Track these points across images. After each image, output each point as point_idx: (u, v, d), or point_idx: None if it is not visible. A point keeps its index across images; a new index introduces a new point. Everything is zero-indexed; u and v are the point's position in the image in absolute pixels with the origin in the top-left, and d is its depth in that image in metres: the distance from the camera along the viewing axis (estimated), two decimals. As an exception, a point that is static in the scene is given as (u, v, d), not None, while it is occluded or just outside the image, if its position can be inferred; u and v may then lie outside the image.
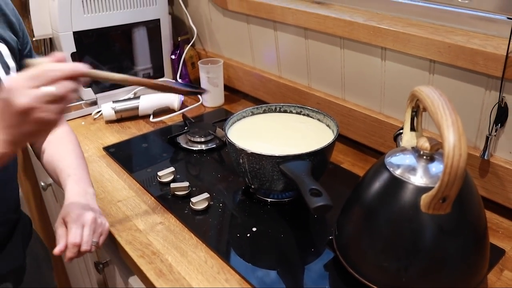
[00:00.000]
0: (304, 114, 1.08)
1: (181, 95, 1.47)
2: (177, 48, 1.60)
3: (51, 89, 0.60)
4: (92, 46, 1.45)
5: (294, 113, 1.09)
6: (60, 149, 0.98)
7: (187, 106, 1.48)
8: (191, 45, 1.60)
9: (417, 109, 0.78)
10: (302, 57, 1.26)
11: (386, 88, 1.09)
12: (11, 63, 0.87)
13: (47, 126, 0.63)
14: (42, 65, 0.62)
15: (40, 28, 1.39)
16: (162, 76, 1.61)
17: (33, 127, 0.62)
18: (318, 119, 1.06)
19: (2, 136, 0.63)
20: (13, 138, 0.63)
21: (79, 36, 1.39)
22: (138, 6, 1.46)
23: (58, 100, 0.61)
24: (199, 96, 1.54)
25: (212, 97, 1.50)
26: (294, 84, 1.32)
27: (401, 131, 0.83)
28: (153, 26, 1.53)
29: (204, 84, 1.48)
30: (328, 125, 1.04)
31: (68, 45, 1.38)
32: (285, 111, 1.10)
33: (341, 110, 1.20)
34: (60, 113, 0.62)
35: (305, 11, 1.15)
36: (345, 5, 1.14)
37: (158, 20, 1.52)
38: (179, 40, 1.60)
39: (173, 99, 1.46)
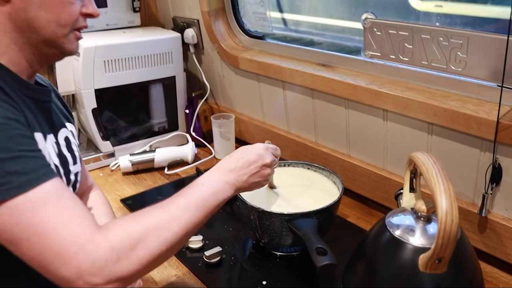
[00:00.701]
0: (311, 170, 1.15)
1: (194, 149, 1.55)
2: (191, 102, 1.69)
3: (277, 160, 0.93)
4: (112, 101, 1.54)
5: (302, 169, 1.16)
6: (97, 213, 1.02)
7: (200, 159, 1.56)
8: (204, 100, 1.69)
9: (416, 171, 0.84)
10: (309, 115, 1.34)
11: (388, 146, 1.15)
12: (77, 141, 0.94)
13: (263, 182, 0.88)
14: (271, 144, 0.94)
15: (64, 85, 1.49)
16: (176, 129, 1.69)
17: (257, 179, 0.86)
18: (325, 176, 1.13)
19: (238, 180, 0.82)
20: (241, 184, 0.83)
21: (100, 93, 1.48)
22: (155, 65, 1.56)
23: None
24: (211, 148, 1.61)
25: (223, 150, 1.57)
26: (302, 140, 1.39)
27: (401, 191, 0.89)
28: (169, 83, 1.63)
29: (216, 137, 1.56)
30: (334, 182, 1.10)
31: (90, 102, 1.47)
32: (294, 167, 1.17)
33: (347, 166, 1.26)
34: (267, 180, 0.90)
35: (311, 74, 1.24)
36: (349, 68, 1.23)
37: (174, 77, 1.62)
38: (193, 95, 1.69)
39: (187, 152, 1.53)
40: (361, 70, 1.20)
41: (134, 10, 1.74)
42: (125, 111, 1.61)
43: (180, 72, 1.64)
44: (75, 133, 0.97)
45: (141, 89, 1.61)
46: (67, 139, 0.87)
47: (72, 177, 0.84)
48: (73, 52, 0.80)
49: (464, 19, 1.08)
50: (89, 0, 0.79)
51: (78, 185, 0.89)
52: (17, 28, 0.72)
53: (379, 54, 1.12)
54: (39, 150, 0.65)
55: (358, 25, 1.16)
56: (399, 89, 1.07)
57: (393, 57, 1.09)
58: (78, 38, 0.79)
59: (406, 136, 1.10)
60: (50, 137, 0.78)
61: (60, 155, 0.81)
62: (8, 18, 0.72)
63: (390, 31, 1.07)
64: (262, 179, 0.88)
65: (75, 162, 0.87)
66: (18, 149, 0.61)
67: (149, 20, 1.85)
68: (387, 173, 1.18)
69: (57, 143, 0.81)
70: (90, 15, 0.79)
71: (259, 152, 0.88)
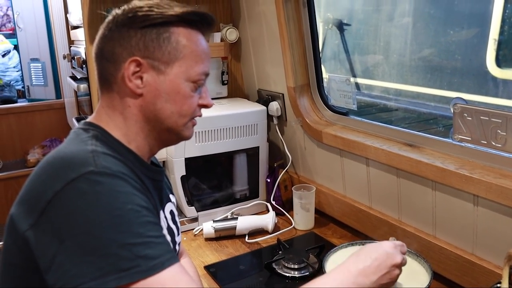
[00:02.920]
0: (397, 252, 1.14)
1: (275, 218, 1.59)
2: (273, 172, 1.74)
3: (406, 259, 0.92)
4: (199, 169, 1.63)
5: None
6: None
7: (280, 228, 1.59)
8: (285, 170, 1.74)
9: (515, 267, 0.82)
10: (393, 193, 1.34)
11: (478, 232, 1.13)
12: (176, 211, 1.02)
13: (391, 284, 0.88)
14: (397, 241, 0.94)
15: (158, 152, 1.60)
16: (257, 197, 1.74)
17: (386, 280, 0.86)
18: (412, 258, 1.12)
19: (363, 284, 0.83)
20: (374, 285, 0.84)
21: (189, 161, 1.58)
22: (241, 136, 1.64)
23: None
24: (291, 218, 1.64)
25: (303, 221, 1.59)
26: (384, 216, 1.39)
27: (498, 285, 0.86)
28: (252, 153, 1.70)
29: (296, 208, 1.59)
30: (419, 263, 1.09)
31: (180, 169, 1.57)
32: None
33: (432, 247, 1.24)
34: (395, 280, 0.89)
35: (397, 154, 1.25)
36: (436, 150, 1.23)
37: (258, 147, 1.69)
38: (275, 165, 1.75)
39: (268, 221, 1.57)
40: (450, 153, 1.20)
41: (223, 83, 1.86)
42: (209, 178, 1.69)
43: (264, 143, 1.71)
44: (175, 203, 1.05)
45: (226, 158, 1.69)
46: (171, 212, 0.94)
47: (177, 247, 0.91)
48: (189, 137, 0.89)
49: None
50: (206, 93, 0.89)
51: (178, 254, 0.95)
52: (145, 118, 0.83)
53: (470, 139, 1.12)
54: (164, 236, 0.72)
55: (437, 92, 1.16)
56: (492, 176, 1.05)
57: (485, 142, 1.09)
58: (194, 124, 0.89)
59: (498, 223, 1.07)
60: (161, 213, 0.86)
61: (169, 228, 0.88)
62: (139, 110, 0.83)
63: (481, 117, 1.07)
64: (390, 281, 0.87)
65: (179, 233, 0.94)
66: (148, 235, 0.68)
67: (235, 91, 1.96)
68: (477, 258, 1.14)
69: (165, 218, 0.88)
70: (206, 106, 0.89)
71: (387, 251, 0.89)
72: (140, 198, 0.72)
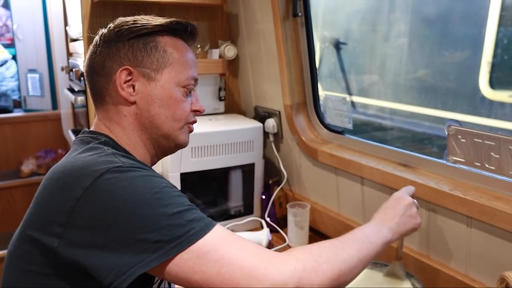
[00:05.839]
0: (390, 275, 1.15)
1: (269, 235, 1.59)
2: (268, 188, 1.75)
3: (414, 200, 1.02)
4: (194, 184, 1.63)
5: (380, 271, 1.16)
6: None
7: (273, 245, 1.59)
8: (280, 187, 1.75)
9: (507, 290, 0.82)
10: (388, 212, 1.35)
11: (472, 253, 1.13)
12: None
13: (414, 222, 0.98)
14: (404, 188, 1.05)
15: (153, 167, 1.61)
16: (251, 213, 1.74)
17: (408, 219, 0.96)
18: (405, 279, 1.12)
19: (391, 224, 0.93)
20: (397, 226, 0.93)
21: (184, 176, 1.58)
22: (237, 152, 1.65)
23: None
24: (284, 235, 1.64)
25: (297, 238, 1.59)
26: (378, 236, 1.39)
27: (490, 307, 0.87)
28: (248, 169, 1.71)
29: (290, 225, 1.59)
30: (412, 284, 1.09)
31: (175, 184, 1.55)
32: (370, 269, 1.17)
33: (425, 268, 1.24)
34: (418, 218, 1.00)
35: (392, 174, 1.27)
36: (431, 171, 1.24)
37: (253, 164, 1.70)
38: (270, 182, 1.76)
39: (262, 238, 1.57)
40: (444, 174, 1.21)
41: (220, 99, 1.88)
42: (205, 193, 1.69)
43: (260, 159, 1.72)
44: None
45: (221, 174, 1.70)
46: None
47: None
48: (185, 143, 0.93)
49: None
50: (196, 99, 0.94)
51: None
52: (142, 126, 0.87)
53: (463, 160, 1.13)
54: None
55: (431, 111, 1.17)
56: (485, 198, 1.07)
57: (478, 164, 1.10)
58: (191, 130, 0.93)
59: (492, 245, 1.08)
60: None
61: None
62: (135, 118, 0.86)
63: (475, 139, 1.09)
64: (413, 218, 0.98)
65: None
66: (188, 204, 0.74)
67: (232, 107, 1.98)
68: (470, 280, 1.15)
69: None
70: (198, 111, 0.94)
71: (395, 197, 1.01)
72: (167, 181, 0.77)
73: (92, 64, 0.88)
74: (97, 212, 0.69)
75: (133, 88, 0.86)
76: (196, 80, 0.93)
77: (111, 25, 0.88)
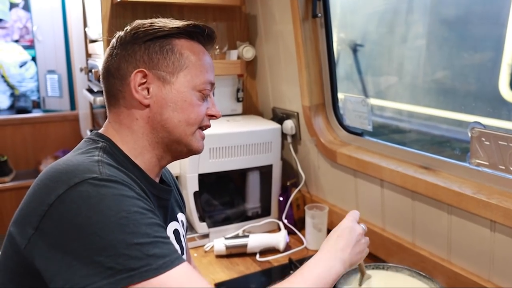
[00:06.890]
0: (410, 276, 1.13)
1: (287, 237, 1.58)
2: (285, 190, 1.74)
3: (364, 227, 0.97)
4: (212, 185, 1.63)
5: (400, 273, 1.14)
6: None
7: (291, 248, 1.58)
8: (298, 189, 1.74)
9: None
10: (408, 216, 1.33)
11: (495, 258, 1.11)
12: (184, 231, 1.02)
13: (365, 252, 0.94)
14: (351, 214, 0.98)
15: (170, 167, 1.61)
16: (269, 215, 1.74)
17: (361, 247, 0.92)
18: (423, 282, 1.10)
19: (344, 256, 0.87)
20: (349, 257, 0.88)
21: (202, 178, 1.58)
22: (255, 153, 1.64)
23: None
24: (302, 237, 1.63)
25: (315, 240, 1.58)
26: (397, 239, 1.38)
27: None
28: (266, 171, 1.70)
29: (308, 227, 1.58)
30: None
31: (193, 185, 1.57)
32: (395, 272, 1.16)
33: (447, 272, 1.22)
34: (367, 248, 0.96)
35: (413, 176, 1.25)
36: (453, 174, 1.22)
37: (271, 165, 1.70)
38: (288, 183, 1.75)
39: (280, 240, 1.56)
40: (466, 177, 1.19)
41: (238, 100, 1.88)
42: (222, 194, 1.69)
43: (278, 161, 1.71)
44: (185, 222, 1.04)
45: (239, 175, 1.69)
46: (176, 232, 0.94)
47: None
48: (199, 150, 0.90)
49: None
50: (213, 104, 0.91)
51: None
52: (153, 130, 0.85)
53: (487, 163, 1.11)
54: (169, 237, 0.73)
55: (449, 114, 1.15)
56: (510, 201, 1.04)
57: (503, 167, 1.08)
58: (203, 137, 0.90)
59: (516, 250, 1.06)
60: None
61: None
62: (147, 122, 0.84)
63: (500, 142, 1.07)
64: (363, 247, 0.94)
65: (183, 253, 0.94)
66: (155, 235, 0.69)
67: (249, 109, 1.98)
68: (493, 285, 1.13)
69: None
70: (214, 116, 0.91)
71: (346, 225, 0.94)
72: (144, 203, 0.72)
73: (108, 66, 0.87)
74: (63, 224, 0.67)
75: (148, 91, 0.84)
76: (212, 84, 0.90)
77: (128, 27, 0.87)
